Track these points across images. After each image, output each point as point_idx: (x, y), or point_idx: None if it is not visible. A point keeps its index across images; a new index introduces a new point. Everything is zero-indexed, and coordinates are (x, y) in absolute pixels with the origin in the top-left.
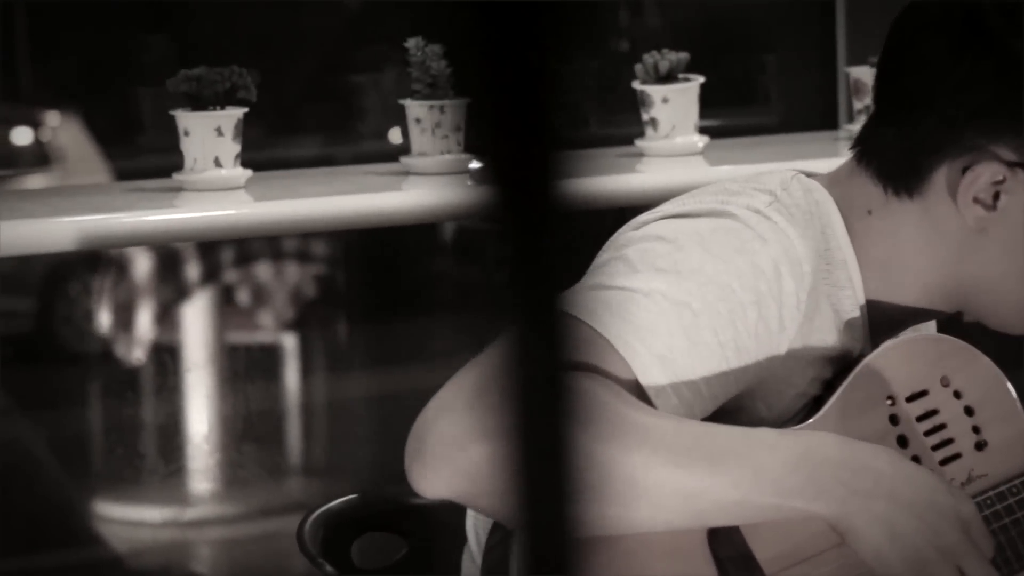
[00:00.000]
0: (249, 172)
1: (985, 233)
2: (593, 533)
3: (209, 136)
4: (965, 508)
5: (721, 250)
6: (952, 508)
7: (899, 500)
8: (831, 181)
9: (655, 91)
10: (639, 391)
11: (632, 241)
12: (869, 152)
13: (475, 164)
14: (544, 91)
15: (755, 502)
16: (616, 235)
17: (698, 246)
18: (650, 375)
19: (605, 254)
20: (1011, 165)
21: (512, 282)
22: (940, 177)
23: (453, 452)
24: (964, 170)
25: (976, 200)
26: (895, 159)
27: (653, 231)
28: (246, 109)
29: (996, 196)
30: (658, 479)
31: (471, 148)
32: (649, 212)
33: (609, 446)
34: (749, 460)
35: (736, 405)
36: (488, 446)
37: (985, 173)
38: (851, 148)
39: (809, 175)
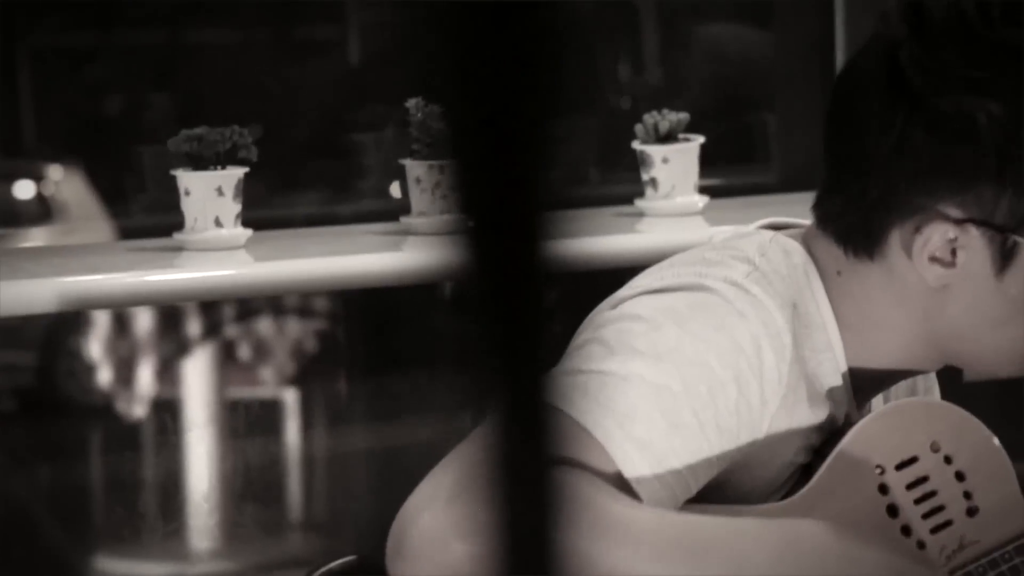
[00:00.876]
0: (249, 232)
1: (949, 289)
2: None
3: (210, 196)
4: None
5: (699, 328)
6: None
7: None
8: (806, 238)
9: (655, 151)
10: (619, 479)
11: (609, 321)
12: (825, 217)
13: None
14: (531, 148)
15: None
16: (593, 313)
17: (675, 325)
18: (630, 463)
19: (582, 335)
20: (959, 222)
21: (491, 355)
22: (895, 239)
23: (434, 550)
24: (916, 231)
25: (933, 259)
26: (849, 224)
27: (630, 310)
28: (247, 169)
29: (953, 253)
30: (642, 575)
31: (460, 208)
32: (626, 287)
33: (591, 541)
34: (734, 552)
35: (723, 479)
36: (470, 544)
37: (935, 233)
38: (812, 213)
39: (787, 226)
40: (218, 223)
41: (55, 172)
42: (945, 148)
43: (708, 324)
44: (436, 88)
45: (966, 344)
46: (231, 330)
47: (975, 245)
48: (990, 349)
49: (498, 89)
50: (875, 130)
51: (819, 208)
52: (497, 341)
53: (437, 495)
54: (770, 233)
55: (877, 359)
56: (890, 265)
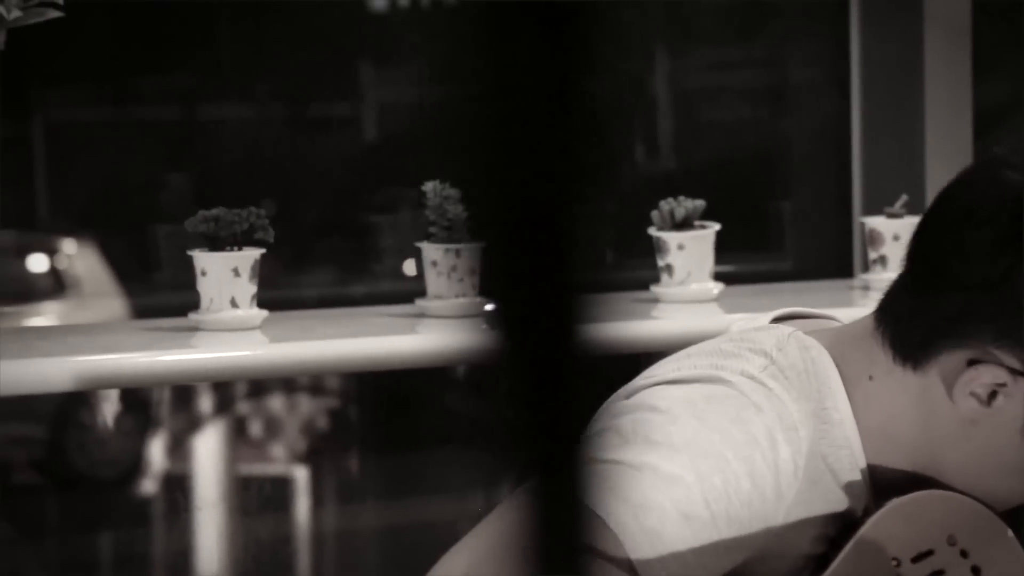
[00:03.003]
0: (265, 313)
1: (975, 425)
2: None
3: (226, 276)
4: None
5: (715, 420)
6: None
7: None
8: (835, 339)
9: (671, 238)
10: (631, 567)
11: (625, 411)
12: (889, 315)
13: (488, 307)
14: (562, 233)
15: None
16: (609, 402)
17: (691, 417)
18: (641, 552)
19: (598, 423)
20: (1014, 372)
21: (527, 433)
22: (944, 360)
23: None
24: (969, 363)
25: (972, 394)
26: (910, 329)
27: (647, 400)
28: (263, 250)
29: (993, 395)
30: None
31: (485, 291)
32: (642, 376)
33: None
34: None
35: (738, 570)
36: None
37: (988, 374)
38: (875, 310)
39: (804, 315)
40: (234, 304)
41: (69, 246)
42: None
43: (724, 416)
44: (461, 170)
45: (966, 480)
46: (243, 407)
47: (1018, 396)
48: (986, 491)
49: (526, 170)
50: (978, 259)
51: (885, 305)
52: (530, 426)
53: (455, 572)
54: (788, 328)
55: (892, 466)
56: (928, 382)
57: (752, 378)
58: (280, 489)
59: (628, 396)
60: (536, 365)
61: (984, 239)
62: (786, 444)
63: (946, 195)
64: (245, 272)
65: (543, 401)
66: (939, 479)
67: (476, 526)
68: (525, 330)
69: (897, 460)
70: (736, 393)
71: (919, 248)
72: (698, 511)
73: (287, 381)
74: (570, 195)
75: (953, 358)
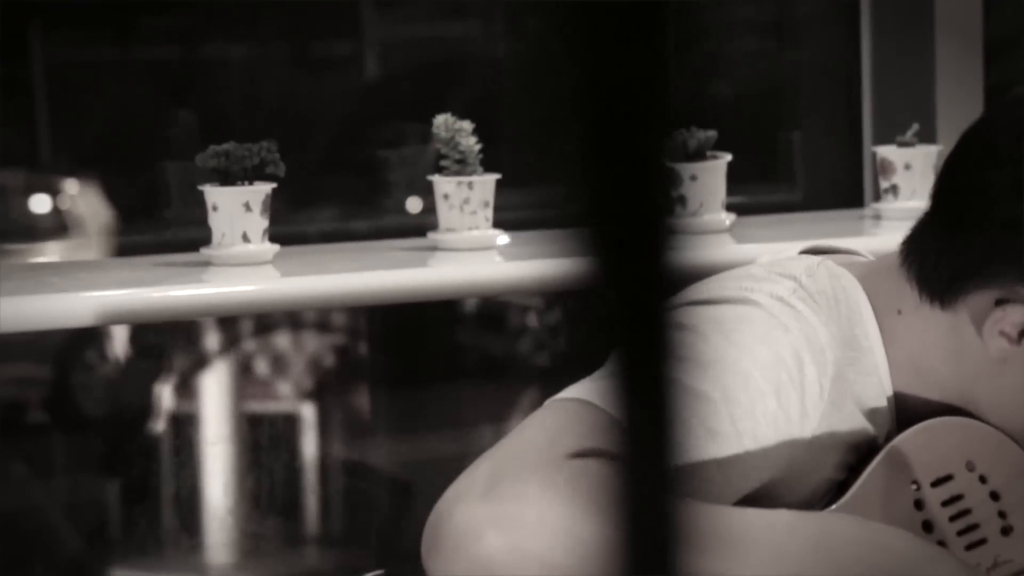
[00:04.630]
0: (276, 247)
1: (1005, 363)
2: None
3: (237, 211)
4: None
5: (743, 339)
6: None
7: None
8: (865, 272)
9: (683, 169)
10: None
11: None
12: (915, 252)
13: (504, 239)
14: (653, 157)
15: None
16: None
17: (720, 335)
18: None
19: None
20: None
21: (621, 354)
22: (972, 300)
23: (469, 543)
24: (997, 303)
25: (1001, 333)
26: (936, 267)
27: (675, 319)
28: (275, 184)
29: (1022, 333)
30: None
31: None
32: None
33: None
34: (770, 540)
35: (759, 491)
36: (504, 536)
37: (1015, 313)
38: (901, 245)
39: (837, 251)
40: (246, 238)
41: (71, 186)
42: None
43: (751, 336)
44: (568, 97)
45: (999, 416)
46: (249, 345)
47: None
48: (1019, 428)
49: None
50: (1002, 198)
51: (911, 242)
52: (623, 347)
53: (472, 488)
54: (818, 258)
55: (921, 396)
56: (957, 321)
57: (781, 299)
58: (288, 426)
59: None
60: (633, 290)
61: (1007, 179)
62: (812, 365)
63: (969, 135)
64: (256, 207)
65: (639, 326)
66: (972, 411)
67: (499, 441)
68: (619, 256)
69: (928, 392)
70: (764, 314)
71: (943, 187)
72: (724, 428)
73: (294, 318)
74: (670, 119)
75: (981, 298)
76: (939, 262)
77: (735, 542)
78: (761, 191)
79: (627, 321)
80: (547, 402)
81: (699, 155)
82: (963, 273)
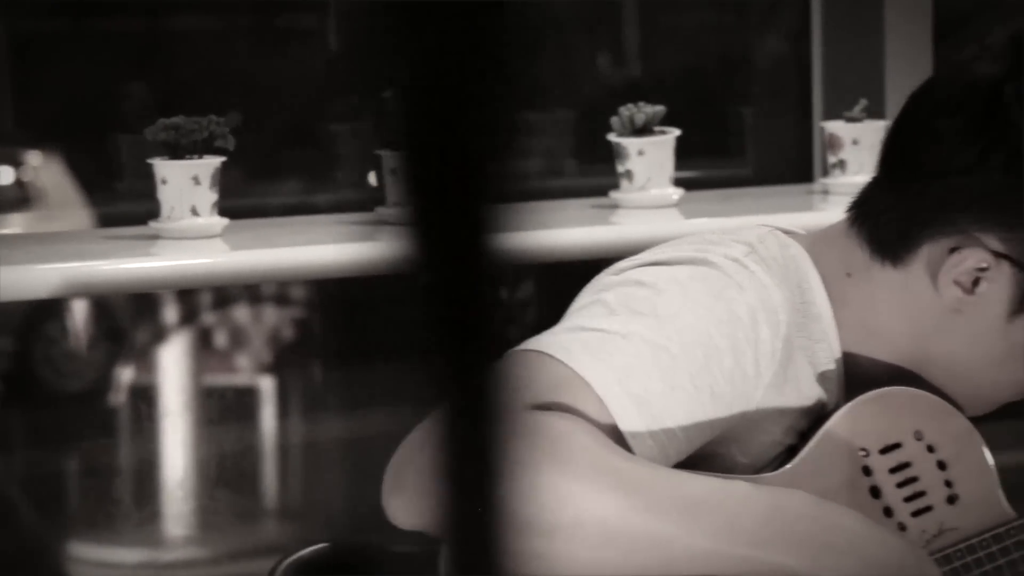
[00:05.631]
0: (225, 221)
1: (959, 314)
2: (566, 572)
3: (186, 185)
4: (931, 572)
5: (699, 296)
6: (919, 571)
7: (868, 560)
8: (809, 242)
9: (631, 144)
10: (615, 432)
11: (611, 285)
12: (864, 214)
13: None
14: (481, 138)
15: (727, 552)
16: (595, 279)
17: (677, 292)
18: (626, 417)
19: (584, 297)
20: (997, 255)
21: (437, 347)
22: (926, 252)
23: (430, 483)
24: (951, 251)
25: (956, 282)
26: (887, 225)
27: (633, 276)
28: (224, 158)
29: (976, 282)
30: (631, 525)
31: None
32: (628, 259)
33: (584, 489)
34: (723, 510)
35: (711, 451)
36: None
37: (971, 258)
38: (848, 209)
39: (786, 232)
40: (194, 212)
41: (34, 158)
42: (1012, 183)
43: (708, 293)
44: (394, 77)
45: (952, 372)
46: (208, 318)
47: (1001, 281)
48: (972, 383)
49: (450, 79)
50: (953, 146)
51: (860, 205)
52: (444, 334)
53: (433, 434)
54: (768, 228)
55: (871, 360)
56: (910, 276)
57: (736, 260)
58: (245, 399)
59: (614, 275)
60: (452, 273)
61: (958, 125)
62: (766, 325)
63: (918, 93)
64: (205, 180)
65: (458, 310)
66: (923, 374)
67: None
68: (441, 238)
69: (878, 355)
70: (720, 273)
71: (893, 144)
72: (682, 382)
73: (252, 291)
74: (501, 102)
75: (935, 247)
76: (890, 217)
77: (690, 508)
78: (712, 166)
79: (448, 306)
80: (506, 354)
81: (647, 130)
82: (916, 224)
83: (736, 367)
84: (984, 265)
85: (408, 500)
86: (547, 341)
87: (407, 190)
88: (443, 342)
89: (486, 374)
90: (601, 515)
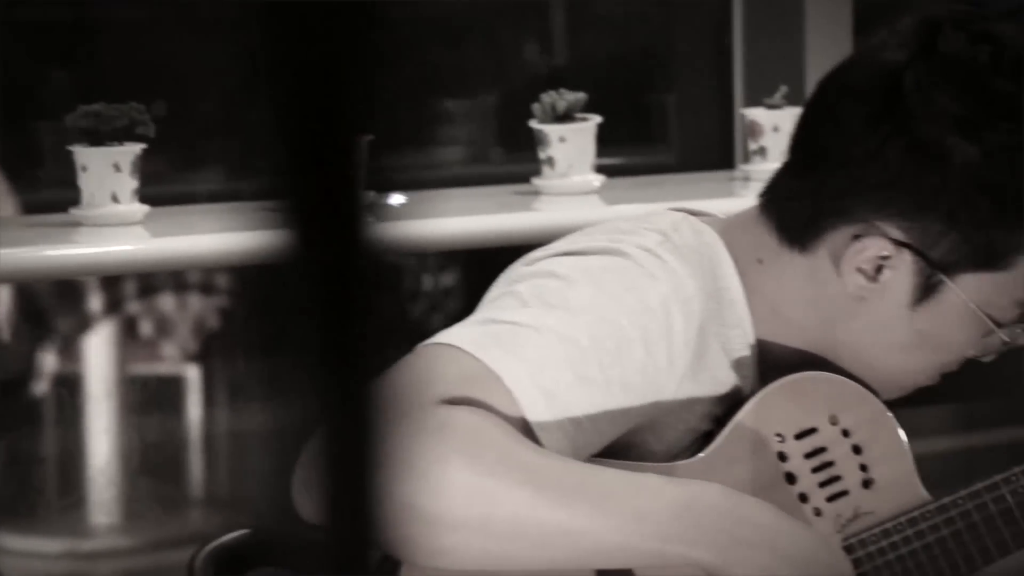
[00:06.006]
0: (146, 208)
1: (864, 301)
2: (477, 566)
3: (107, 172)
4: (842, 565)
5: (611, 287)
6: (829, 564)
7: (779, 552)
8: (724, 227)
9: (552, 130)
10: (525, 426)
11: (524, 277)
12: (773, 200)
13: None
14: (349, 130)
15: (637, 546)
16: (508, 269)
17: (589, 283)
18: (536, 410)
19: (497, 288)
20: (898, 244)
21: (311, 346)
22: (830, 239)
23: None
24: (854, 238)
25: (859, 270)
26: (795, 212)
27: (545, 267)
28: (144, 145)
29: (879, 269)
30: (541, 518)
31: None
32: (542, 249)
33: (494, 483)
34: (633, 504)
35: (626, 440)
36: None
37: (872, 247)
38: (759, 195)
39: (697, 214)
40: (115, 199)
41: None
42: (913, 172)
43: (620, 284)
44: (257, 68)
45: (860, 358)
46: (133, 307)
47: (903, 269)
48: (880, 369)
49: (317, 72)
50: (856, 133)
51: (769, 191)
52: (320, 324)
53: None
54: (681, 214)
55: (784, 346)
56: (816, 263)
57: (649, 251)
58: (170, 388)
59: (527, 265)
60: (323, 266)
61: (860, 113)
62: (680, 315)
63: (827, 78)
64: (126, 167)
65: (329, 303)
66: (834, 359)
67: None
68: (311, 230)
69: (790, 341)
70: (632, 264)
71: (801, 130)
72: (593, 374)
73: (178, 280)
74: (368, 97)
75: (838, 235)
76: (797, 204)
77: (599, 501)
78: (635, 153)
79: (321, 294)
80: (418, 347)
81: (568, 117)
82: (820, 211)
83: (648, 358)
84: (886, 254)
85: (314, 496)
86: (458, 334)
87: (284, 180)
88: (319, 333)
89: (364, 364)
90: (510, 509)
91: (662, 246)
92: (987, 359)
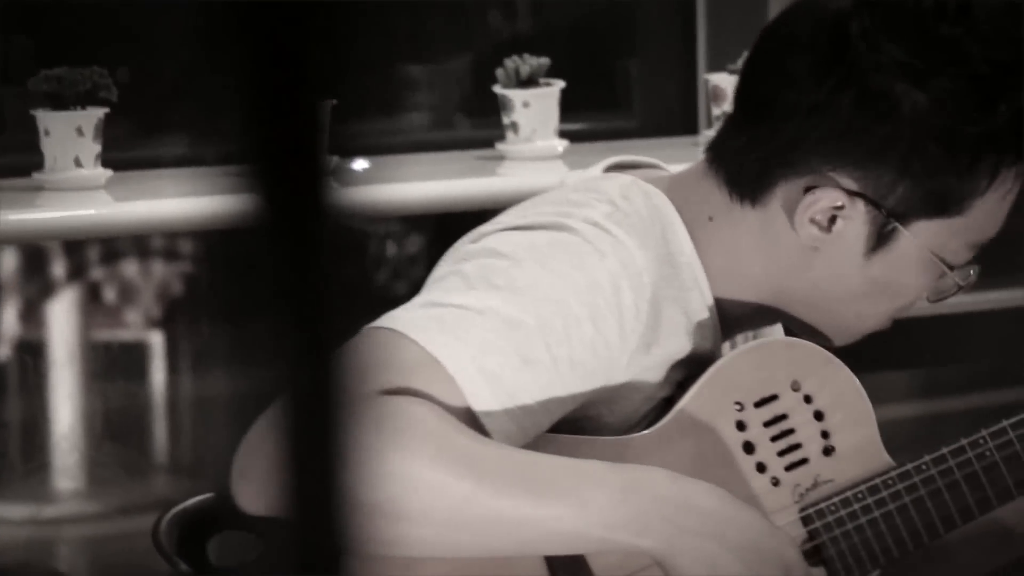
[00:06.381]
0: (109, 172)
1: (818, 252)
2: (420, 556)
3: (69, 136)
4: (788, 553)
5: (558, 265)
6: (775, 552)
7: (724, 540)
8: (672, 185)
9: (516, 95)
10: (469, 412)
11: (470, 255)
12: (721, 156)
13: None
14: (313, 94)
15: (581, 534)
16: (454, 247)
17: (535, 261)
18: (479, 397)
19: (443, 267)
20: (851, 194)
21: (276, 311)
22: (781, 192)
23: (275, 476)
24: (806, 190)
25: (812, 221)
26: (743, 166)
27: (491, 245)
28: (107, 109)
29: (832, 220)
30: (483, 509)
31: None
32: (488, 223)
33: (433, 472)
34: (576, 493)
35: (581, 414)
36: None
37: (825, 198)
38: (705, 151)
39: (640, 164)
40: (78, 163)
41: None
42: (863, 122)
43: (567, 262)
44: (220, 33)
45: (814, 307)
46: (97, 273)
47: (856, 219)
48: (835, 316)
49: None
50: (803, 84)
51: (716, 147)
52: (279, 293)
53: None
54: (630, 177)
55: (740, 303)
56: (768, 216)
57: (596, 224)
58: (134, 354)
59: (473, 241)
60: (286, 229)
61: (806, 64)
62: (630, 290)
63: (769, 29)
64: (89, 131)
65: (294, 267)
66: (788, 311)
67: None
68: (276, 194)
69: (746, 296)
70: (580, 239)
71: (746, 83)
72: (539, 355)
73: (141, 246)
74: (332, 61)
75: (790, 187)
76: (746, 158)
77: (543, 490)
78: (598, 118)
79: (285, 258)
80: (362, 330)
81: (532, 82)
82: (770, 164)
83: (597, 335)
84: (839, 204)
85: (254, 488)
86: (402, 319)
87: (248, 145)
88: (284, 298)
89: (328, 329)
90: (450, 500)
91: (610, 218)
92: (940, 301)
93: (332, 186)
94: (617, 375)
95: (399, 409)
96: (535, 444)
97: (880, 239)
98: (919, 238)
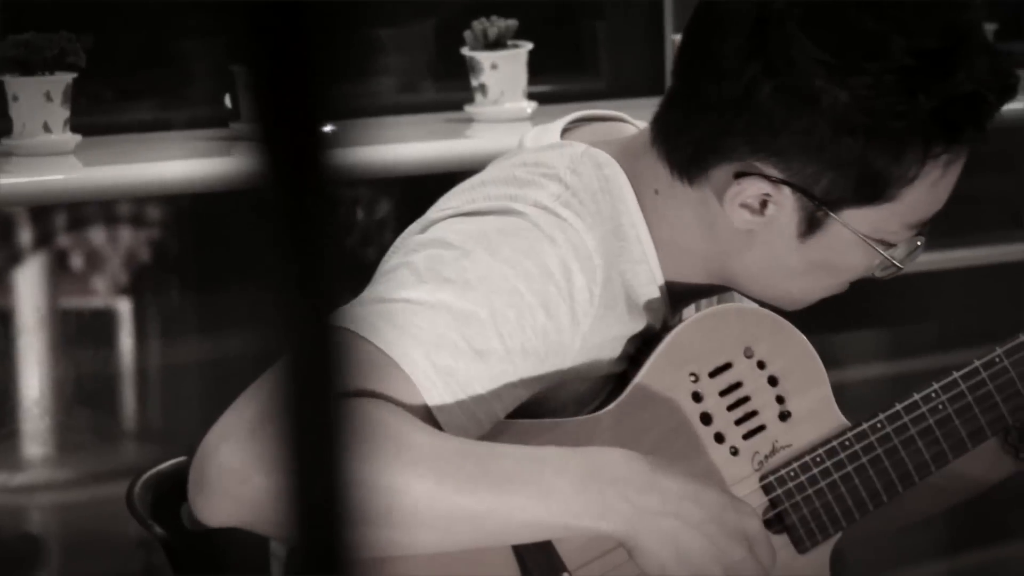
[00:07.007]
0: (79, 137)
1: (753, 234)
2: (385, 554)
3: (38, 101)
4: (750, 525)
5: (509, 253)
6: (737, 525)
7: (686, 518)
8: (623, 150)
9: (484, 57)
10: (425, 409)
11: (420, 246)
12: (661, 131)
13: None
14: (317, 55)
15: (544, 522)
16: (403, 236)
17: (485, 251)
18: (434, 392)
19: (392, 259)
20: (778, 182)
21: (276, 273)
22: (714, 175)
23: (234, 484)
24: (736, 175)
25: (743, 206)
26: (679, 144)
27: (440, 235)
28: (75, 74)
29: (764, 204)
30: (445, 506)
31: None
32: (436, 208)
33: (393, 473)
34: (536, 482)
35: (539, 397)
36: (270, 478)
37: (752, 187)
38: (651, 121)
39: (601, 117)
40: (47, 128)
41: None
42: (785, 114)
43: (517, 250)
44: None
45: (758, 283)
46: (64, 240)
47: (787, 205)
48: (780, 291)
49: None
50: (726, 71)
51: (658, 120)
52: (283, 254)
53: (238, 427)
54: (582, 146)
55: (687, 277)
56: (705, 197)
57: (545, 208)
58: (102, 321)
59: (422, 229)
60: (291, 192)
61: (728, 53)
62: (581, 273)
63: (698, 12)
64: (57, 96)
65: (299, 230)
66: (733, 287)
67: (263, 374)
68: (277, 156)
69: (692, 271)
70: (529, 225)
71: (680, 62)
72: (492, 346)
73: (109, 212)
74: (338, 21)
75: (721, 172)
76: (681, 138)
77: (502, 482)
78: (566, 80)
79: (288, 222)
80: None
81: (500, 44)
82: (702, 149)
83: (549, 321)
84: (766, 191)
85: (213, 500)
86: (355, 316)
87: (251, 107)
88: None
89: (327, 296)
90: (412, 501)
91: (559, 199)
92: (888, 276)
93: (331, 151)
94: (570, 358)
95: (354, 411)
96: (495, 431)
97: (812, 224)
98: (852, 223)
